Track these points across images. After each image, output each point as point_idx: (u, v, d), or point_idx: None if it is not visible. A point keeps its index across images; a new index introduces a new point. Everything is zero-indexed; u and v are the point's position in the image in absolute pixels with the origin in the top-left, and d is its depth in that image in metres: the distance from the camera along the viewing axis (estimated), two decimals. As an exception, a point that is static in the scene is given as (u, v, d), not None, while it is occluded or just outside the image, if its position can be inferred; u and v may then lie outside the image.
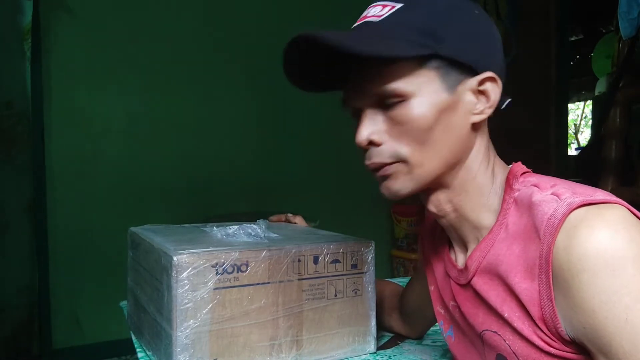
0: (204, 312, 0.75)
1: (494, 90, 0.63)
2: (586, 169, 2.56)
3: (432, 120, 0.60)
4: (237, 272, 0.78)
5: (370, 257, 0.91)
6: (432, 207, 0.68)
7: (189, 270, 0.74)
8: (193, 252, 0.75)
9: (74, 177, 2.36)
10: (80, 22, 2.35)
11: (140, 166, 2.49)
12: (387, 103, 0.61)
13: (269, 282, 0.81)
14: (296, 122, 2.85)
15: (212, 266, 0.75)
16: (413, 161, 0.61)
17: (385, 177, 0.63)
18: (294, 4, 2.82)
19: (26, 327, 2.28)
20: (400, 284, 1.31)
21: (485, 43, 0.64)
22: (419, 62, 0.60)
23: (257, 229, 0.90)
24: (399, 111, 0.60)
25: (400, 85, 0.59)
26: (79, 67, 2.36)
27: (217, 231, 0.91)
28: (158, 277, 0.80)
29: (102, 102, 2.42)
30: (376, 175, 0.64)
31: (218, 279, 0.76)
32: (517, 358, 0.62)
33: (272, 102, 2.79)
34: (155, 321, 0.82)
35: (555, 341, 0.57)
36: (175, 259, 0.73)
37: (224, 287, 0.76)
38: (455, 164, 0.64)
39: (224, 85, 2.67)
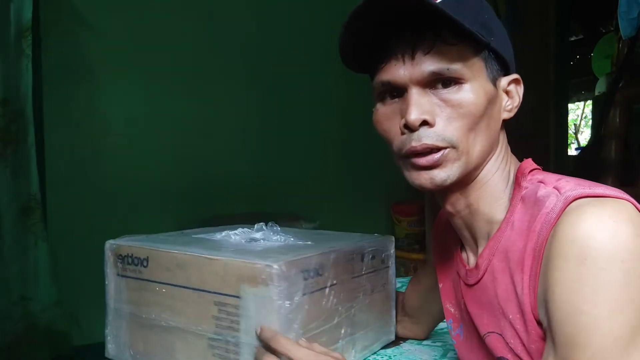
0: (297, 321, 0.71)
1: (518, 92, 0.67)
2: (586, 169, 2.56)
3: (483, 108, 0.61)
4: (317, 275, 0.75)
5: (392, 251, 0.96)
6: (449, 207, 0.68)
7: (288, 279, 0.70)
8: (288, 260, 0.71)
9: (74, 177, 2.36)
10: (80, 21, 2.35)
11: (140, 166, 2.49)
12: (441, 84, 0.60)
13: (335, 284, 0.79)
14: (296, 122, 2.85)
15: (301, 272, 0.72)
16: (462, 147, 0.60)
17: (431, 167, 0.61)
18: (295, 5, 2.82)
19: (26, 327, 2.28)
20: (400, 283, 1.30)
21: (511, 47, 0.66)
22: (474, 49, 0.60)
23: (277, 231, 0.88)
24: (455, 94, 0.59)
25: (461, 67, 0.59)
26: (79, 66, 2.36)
27: (234, 237, 0.87)
28: (226, 291, 0.72)
29: (102, 102, 2.42)
30: (416, 161, 0.61)
31: (305, 284, 0.73)
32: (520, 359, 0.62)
33: (272, 102, 2.79)
34: (218, 340, 0.73)
35: (544, 342, 0.58)
36: (276, 267, 0.68)
37: (309, 293, 0.74)
38: (487, 157, 0.65)
39: (223, 85, 2.67)
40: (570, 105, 6.71)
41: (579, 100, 7.78)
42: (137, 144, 2.49)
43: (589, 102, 7.10)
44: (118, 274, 0.87)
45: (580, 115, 8.69)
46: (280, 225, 0.92)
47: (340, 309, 0.80)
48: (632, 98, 2.33)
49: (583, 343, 0.50)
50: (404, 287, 1.05)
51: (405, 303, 1.01)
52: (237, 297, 0.71)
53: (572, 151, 6.95)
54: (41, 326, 2.19)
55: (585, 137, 8.62)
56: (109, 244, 0.88)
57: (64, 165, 2.33)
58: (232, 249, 0.80)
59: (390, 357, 0.93)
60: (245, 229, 0.90)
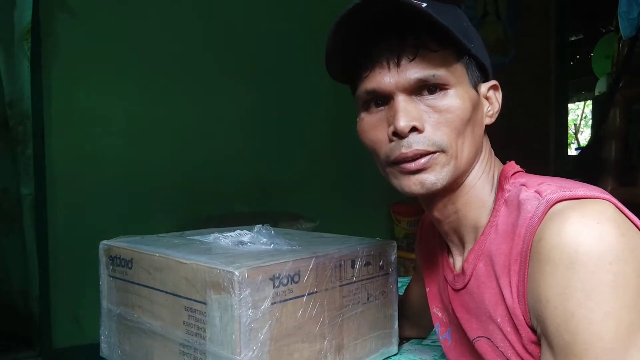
0: (264, 331, 0.67)
1: (497, 97, 0.67)
2: (586, 169, 2.56)
3: (469, 113, 0.61)
4: (291, 283, 0.71)
5: (393, 257, 0.89)
6: (436, 214, 0.68)
7: (251, 286, 0.66)
8: (252, 266, 0.67)
9: (74, 177, 2.36)
10: (80, 22, 2.35)
11: (140, 166, 2.49)
12: (427, 91, 0.60)
13: (316, 292, 0.75)
14: (296, 122, 2.85)
15: (270, 279, 0.68)
16: (451, 151, 0.61)
17: (420, 171, 0.61)
18: (294, 6, 2.82)
19: (26, 326, 2.29)
20: (400, 283, 1.30)
21: (488, 54, 0.67)
22: (456, 55, 0.61)
23: (267, 235, 0.85)
24: (441, 100, 0.60)
25: (446, 73, 0.59)
26: (79, 67, 2.36)
27: (223, 240, 0.84)
28: (194, 297, 0.70)
29: (102, 102, 2.42)
30: (405, 167, 0.61)
31: (275, 292, 0.69)
32: None
33: (272, 102, 2.79)
34: (188, 347, 0.72)
35: (536, 346, 0.58)
36: (237, 273, 0.64)
37: (280, 301, 0.69)
38: (474, 162, 0.65)
39: (223, 85, 2.67)
40: (570, 105, 6.72)
41: (579, 100, 7.79)
42: (137, 144, 2.49)
43: (589, 102, 7.11)
44: (109, 275, 0.87)
45: (580, 115, 8.70)
46: (280, 225, 0.90)
47: (323, 318, 0.76)
48: (632, 98, 2.33)
49: (582, 349, 0.50)
50: (404, 287, 1.05)
51: (404, 306, 1.00)
52: (204, 303, 0.69)
53: (572, 151, 6.96)
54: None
55: (585, 137, 8.63)
56: (102, 244, 0.88)
57: (64, 165, 2.33)
58: (213, 252, 0.76)
59: (389, 357, 0.93)
60: (244, 231, 0.88)
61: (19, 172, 2.23)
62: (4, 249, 2.30)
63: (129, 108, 2.48)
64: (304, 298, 0.73)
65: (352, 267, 0.81)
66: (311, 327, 0.74)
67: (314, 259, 0.74)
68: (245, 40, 2.72)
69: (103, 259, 0.88)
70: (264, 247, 0.81)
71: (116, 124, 2.45)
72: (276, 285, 0.69)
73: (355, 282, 0.82)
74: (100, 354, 0.89)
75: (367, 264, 0.84)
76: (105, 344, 0.89)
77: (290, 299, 0.71)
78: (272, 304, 0.68)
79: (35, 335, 2.28)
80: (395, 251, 0.89)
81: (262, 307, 0.67)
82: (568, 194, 0.55)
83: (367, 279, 0.84)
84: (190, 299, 0.71)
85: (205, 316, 0.68)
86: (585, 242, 0.51)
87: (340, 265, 0.79)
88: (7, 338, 2.27)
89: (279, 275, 0.69)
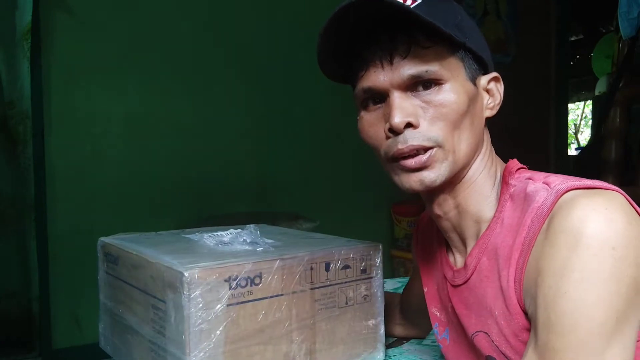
0: (218, 332, 0.67)
1: (499, 89, 0.67)
2: (586, 169, 2.56)
3: (465, 107, 0.61)
4: (251, 285, 0.70)
5: (378, 260, 0.86)
6: (436, 209, 0.68)
7: (202, 287, 0.66)
8: (205, 266, 0.67)
9: (74, 177, 2.36)
10: (80, 22, 2.35)
11: (139, 166, 2.49)
12: (421, 87, 0.60)
13: (282, 294, 0.74)
14: (295, 122, 2.85)
15: (225, 280, 0.68)
16: (448, 146, 0.61)
17: (420, 169, 0.61)
18: (295, 5, 2.82)
19: (26, 327, 2.29)
20: (400, 284, 1.31)
21: (487, 46, 0.66)
22: (450, 50, 0.61)
23: (252, 235, 0.84)
24: (436, 95, 0.60)
25: (439, 68, 0.60)
26: (79, 67, 2.36)
27: (208, 239, 0.84)
28: (158, 295, 0.72)
29: (102, 102, 2.42)
30: (404, 164, 0.61)
31: (231, 294, 0.68)
32: (506, 358, 0.62)
33: (271, 102, 2.79)
34: (154, 344, 0.74)
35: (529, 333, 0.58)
36: (186, 274, 0.65)
37: (237, 303, 0.69)
38: (474, 156, 0.65)
39: (223, 85, 2.67)
40: (570, 105, 6.72)
41: (579, 100, 7.80)
42: (137, 143, 2.49)
43: (589, 102, 7.12)
44: (105, 271, 0.90)
45: (580, 115, 8.70)
46: (279, 225, 0.90)
47: (290, 321, 0.75)
48: (631, 98, 2.33)
49: (566, 329, 0.49)
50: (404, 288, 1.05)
51: (403, 307, 1.00)
52: (164, 302, 0.70)
53: (572, 151, 6.96)
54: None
55: (585, 137, 8.63)
56: (100, 241, 0.92)
57: (64, 165, 2.33)
58: (186, 251, 0.77)
59: (390, 357, 0.93)
60: (232, 231, 0.87)
61: (19, 172, 2.24)
62: (0, 251, 2.31)
63: (128, 108, 2.48)
64: (266, 300, 0.72)
65: (327, 270, 0.80)
66: (275, 330, 0.73)
67: (278, 261, 0.73)
68: (245, 40, 2.72)
69: (100, 255, 0.92)
70: (239, 247, 0.80)
71: (116, 124, 2.45)
72: (233, 286, 0.68)
73: (329, 285, 0.80)
74: (100, 346, 0.93)
75: (346, 267, 0.82)
76: (102, 336, 0.93)
77: (250, 301, 0.70)
78: (228, 305, 0.68)
79: (35, 336, 2.28)
80: (380, 254, 0.87)
81: (216, 308, 0.67)
82: (577, 183, 0.56)
83: (345, 282, 0.82)
84: (155, 297, 0.72)
85: (165, 315, 0.69)
86: (591, 225, 0.51)
87: (312, 268, 0.78)
88: (6, 339, 2.26)
89: (236, 276, 0.69)
